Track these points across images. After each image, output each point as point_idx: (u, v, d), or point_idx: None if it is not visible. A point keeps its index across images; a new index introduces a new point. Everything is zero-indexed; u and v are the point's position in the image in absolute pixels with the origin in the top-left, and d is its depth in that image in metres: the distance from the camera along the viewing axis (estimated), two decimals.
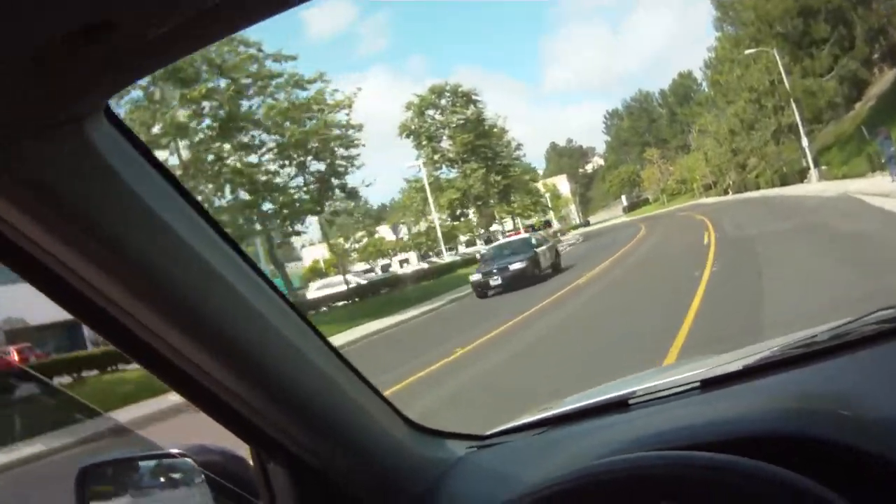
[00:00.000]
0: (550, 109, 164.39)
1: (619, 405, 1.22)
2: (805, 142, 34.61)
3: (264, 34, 26.69)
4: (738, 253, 13.31)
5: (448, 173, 51.86)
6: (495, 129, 54.17)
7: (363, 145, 28.66)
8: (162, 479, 1.10)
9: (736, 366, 1.19)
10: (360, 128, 27.94)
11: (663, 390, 1.21)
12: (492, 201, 51.48)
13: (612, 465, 0.88)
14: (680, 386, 1.20)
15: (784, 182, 38.49)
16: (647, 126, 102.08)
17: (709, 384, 1.17)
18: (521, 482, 1.01)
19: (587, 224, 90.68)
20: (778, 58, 36.04)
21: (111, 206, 0.68)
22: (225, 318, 0.81)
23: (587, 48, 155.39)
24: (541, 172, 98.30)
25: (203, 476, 1.02)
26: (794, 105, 35.95)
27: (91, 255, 0.69)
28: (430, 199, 46.57)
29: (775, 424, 0.93)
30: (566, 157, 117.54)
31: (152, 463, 1.10)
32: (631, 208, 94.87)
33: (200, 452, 1.04)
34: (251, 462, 1.04)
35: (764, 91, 39.79)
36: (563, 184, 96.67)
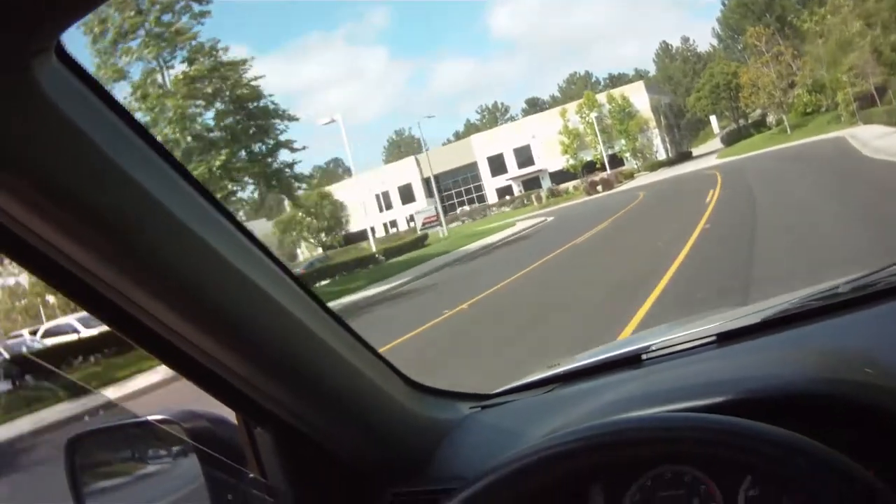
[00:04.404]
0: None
1: (631, 361, 1.19)
2: None
3: None
4: None
5: None
6: None
7: None
8: (149, 447, 1.10)
9: (753, 318, 1.15)
10: None
11: (678, 345, 1.18)
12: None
13: (616, 424, 0.84)
14: (695, 340, 1.17)
15: None
16: None
17: (725, 338, 1.13)
18: (527, 440, 0.97)
19: (687, 157, 58.25)
20: None
21: (66, 155, 0.63)
22: (201, 277, 0.75)
23: None
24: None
25: (189, 443, 1.02)
26: None
27: (49, 213, 0.64)
28: None
29: (795, 383, 0.90)
30: (679, 61, 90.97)
31: (139, 430, 1.10)
32: (732, 139, 56.99)
33: (187, 419, 1.04)
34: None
35: None
36: (639, 95, 59.11)
